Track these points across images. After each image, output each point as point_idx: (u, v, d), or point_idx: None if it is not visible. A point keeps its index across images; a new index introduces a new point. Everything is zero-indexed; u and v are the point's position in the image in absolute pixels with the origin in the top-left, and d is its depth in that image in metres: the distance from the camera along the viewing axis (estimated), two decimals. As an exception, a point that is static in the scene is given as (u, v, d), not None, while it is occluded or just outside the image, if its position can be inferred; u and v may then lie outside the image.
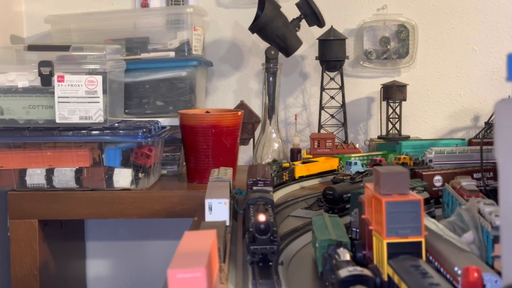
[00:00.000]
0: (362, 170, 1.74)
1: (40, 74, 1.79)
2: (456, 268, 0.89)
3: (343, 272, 0.90)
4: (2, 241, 2.03)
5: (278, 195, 1.71)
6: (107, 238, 2.39)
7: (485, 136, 1.80)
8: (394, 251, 0.92)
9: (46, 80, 1.80)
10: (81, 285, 2.35)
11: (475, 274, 0.83)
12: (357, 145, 2.16)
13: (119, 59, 1.96)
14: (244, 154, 2.32)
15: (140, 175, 1.84)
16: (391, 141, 2.17)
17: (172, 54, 2.10)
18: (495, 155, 0.63)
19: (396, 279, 0.88)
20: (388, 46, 2.29)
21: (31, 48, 1.85)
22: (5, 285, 2.05)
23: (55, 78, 1.78)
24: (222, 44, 2.35)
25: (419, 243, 0.93)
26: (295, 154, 2.20)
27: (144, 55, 2.10)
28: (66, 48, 1.82)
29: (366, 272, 0.91)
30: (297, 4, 2.09)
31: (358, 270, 0.90)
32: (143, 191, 1.84)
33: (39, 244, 1.85)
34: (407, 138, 2.19)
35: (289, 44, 2.09)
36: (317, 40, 2.20)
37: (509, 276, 0.59)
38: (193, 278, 0.71)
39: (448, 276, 0.91)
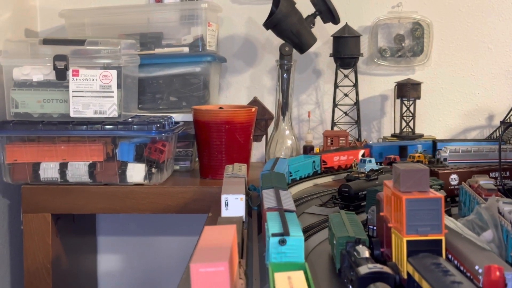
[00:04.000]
0: (377, 168, 1.73)
1: (55, 68, 1.79)
2: (477, 267, 0.88)
3: (363, 269, 0.89)
4: (15, 235, 2.04)
5: (292, 192, 1.70)
6: (119, 233, 2.39)
7: (502, 135, 1.79)
8: (414, 249, 0.92)
9: (61, 74, 1.80)
10: (92, 280, 2.35)
11: (497, 273, 0.82)
12: (370, 143, 2.15)
13: (134, 54, 1.96)
14: (257, 151, 2.32)
15: (153, 170, 1.84)
16: (405, 139, 2.16)
17: (186, 49, 2.09)
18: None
19: (416, 277, 0.87)
20: (403, 44, 2.27)
21: (46, 42, 1.85)
22: (18, 278, 2.06)
23: (69, 72, 1.78)
24: (236, 40, 2.34)
25: (439, 241, 0.92)
26: (307, 151, 2.20)
27: (158, 50, 2.10)
28: (81, 42, 1.82)
29: (386, 269, 0.90)
30: (312, 1, 2.08)
31: (378, 267, 0.90)
32: (156, 186, 1.84)
33: (52, 238, 1.85)
34: (420, 136, 2.18)
35: (303, 41, 2.08)
36: (332, 37, 2.19)
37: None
38: (216, 272, 0.70)
39: (468, 274, 0.90)
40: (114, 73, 1.79)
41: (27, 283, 1.85)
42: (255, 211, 1.43)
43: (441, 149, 1.88)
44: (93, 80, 1.79)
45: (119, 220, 2.37)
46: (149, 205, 1.84)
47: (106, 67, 1.80)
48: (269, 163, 1.64)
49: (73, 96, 1.79)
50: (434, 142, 2.01)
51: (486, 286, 0.82)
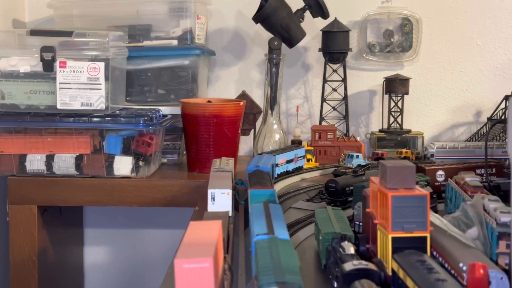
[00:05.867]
0: (364, 163, 1.73)
1: (42, 59, 1.78)
2: (461, 264, 0.88)
3: (348, 266, 0.90)
4: (1, 226, 2.03)
5: (279, 187, 1.71)
6: (106, 225, 2.38)
7: (489, 132, 1.80)
8: (399, 245, 0.92)
9: (48, 66, 1.78)
10: (79, 272, 2.35)
11: (481, 271, 0.82)
12: (358, 138, 2.15)
13: (122, 46, 1.95)
14: (245, 145, 2.32)
15: (141, 163, 1.84)
16: (393, 134, 2.17)
17: (174, 42, 2.09)
18: (508, 150, 0.62)
19: (401, 274, 0.87)
20: (392, 39, 2.28)
21: (34, 33, 1.84)
22: (3, 270, 2.05)
23: (57, 64, 1.77)
24: (225, 33, 2.33)
25: (425, 238, 0.93)
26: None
27: (146, 43, 2.09)
28: (69, 33, 1.81)
29: (371, 266, 0.90)
30: (301, -5, 2.08)
31: (363, 264, 0.90)
32: (143, 179, 1.83)
33: (38, 230, 1.84)
34: (408, 132, 2.18)
35: (292, 35, 2.08)
36: (321, 32, 2.19)
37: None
38: (200, 269, 0.70)
39: (452, 272, 0.90)
40: (102, 65, 1.78)
41: (13, 275, 1.85)
42: (242, 205, 1.43)
43: (428, 145, 1.88)
44: (80, 72, 1.77)
45: (106, 212, 2.37)
46: (136, 198, 1.83)
47: (93, 59, 1.79)
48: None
49: (60, 88, 1.78)
50: None
51: (470, 283, 0.83)
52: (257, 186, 1.25)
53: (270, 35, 2.10)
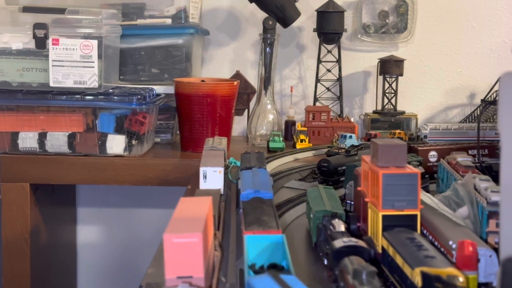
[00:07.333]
0: (357, 144, 1.73)
1: (34, 36, 1.77)
2: (450, 242, 0.88)
3: (338, 243, 0.90)
4: (-7, 204, 2.02)
5: (271, 166, 1.71)
6: (99, 204, 2.38)
7: (482, 113, 1.80)
8: (389, 223, 0.92)
9: (41, 43, 1.77)
10: (72, 250, 2.35)
11: (470, 248, 0.82)
12: (352, 119, 2.15)
13: (115, 24, 1.93)
14: (238, 125, 2.31)
15: (134, 142, 1.83)
16: (386, 116, 2.17)
17: (168, 21, 2.07)
18: (498, 128, 0.62)
19: (390, 251, 0.87)
20: (387, 20, 2.27)
21: (26, 9, 1.82)
22: (-5, 248, 2.05)
23: (49, 41, 1.76)
24: (219, 13, 2.32)
25: (415, 216, 0.93)
26: (289, 126, 2.20)
27: (140, 21, 2.08)
28: (61, 10, 1.79)
29: (361, 243, 0.91)
30: (296, -26, 2.07)
31: (353, 241, 0.90)
32: (136, 158, 1.83)
33: (31, 208, 1.84)
34: (402, 113, 2.18)
35: (287, 15, 2.07)
36: (316, 12, 2.18)
37: (507, 248, 0.58)
38: (189, 243, 0.70)
39: (442, 249, 0.91)
40: (95, 43, 1.77)
41: (5, 253, 1.85)
42: (233, 184, 1.43)
43: (422, 127, 1.88)
44: (73, 49, 1.76)
45: (99, 191, 2.37)
46: (129, 176, 1.83)
47: (86, 36, 1.77)
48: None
49: (53, 66, 1.77)
50: None
51: (459, 261, 0.83)
52: (255, 229, 0.87)
53: (265, 15, 2.09)
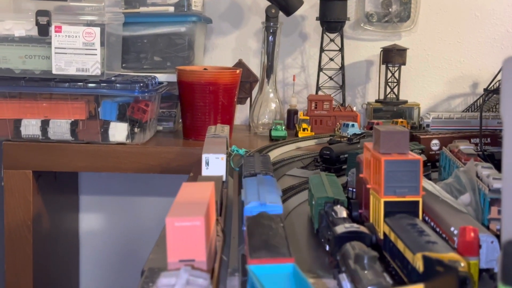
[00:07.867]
0: (359, 132, 1.73)
1: (37, 23, 1.77)
2: (452, 228, 0.89)
3: (340, 229, 0.90)
4: (-5, 192, 2.03)
5: (274, 154, 1.71)
6: (101, 192, 2.39)
7: (484, 102, 1.80)
8: (391, 210, 0.92)
9: (43, 30, 1.77)
10: (74, 238, 2.36)
11: (472, 234, 0.83)
12: (354, 108, 2.15)
13: (118, 11, 1.93)
14: (241, 114, 2.31)
15: (136, 129, 1.83)
16: (389, 105, 2.17)
17: (171, 9, 2.07)
18: (501, 111, 0.62)
19: (392, 237, 0.88)
20: (390, 9, 2.26)
21: (29, -4, 1.82)
22: (-2, 235, 2.05)
23: (52, 28, 1.76)
24: (222, 1, 2.31)
25: (416, 202, 0.93)
26: (292, 115, 2.20)
27: (143, 9, 2.07)
28: (64, -2, 1.79)
29: (363, 229, 0.91)
30: (299, -37, 2.06)
31: (354, 227, 0.90)
32: (138, 146, 1.83)
33: (33, 195, 1.84)
34: (404, 102, 2.18)
35: (290, 3, 2.07)
36: (319, 0, 2.17)
37: (509, 232, 0.58)
38: (191, 227, 0.70)
39: (444, 235, 0.91)
40: (97, 30, 1.77)
41: (7, 240, 1.86)
42: (236, 172, 1.43)
43: (424, 115, 1.88)
44: (76, 37, 1.76)
45: (101, 179, 2.37)
46: (131, 164, 1.83)
47: (89, 24, 1.77)
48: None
49: (55, 53, 1.77)
50: None
51: (460, 247, 0.83)
52: (263, 257, 0.70)
53: (268, 3, 2.08)
